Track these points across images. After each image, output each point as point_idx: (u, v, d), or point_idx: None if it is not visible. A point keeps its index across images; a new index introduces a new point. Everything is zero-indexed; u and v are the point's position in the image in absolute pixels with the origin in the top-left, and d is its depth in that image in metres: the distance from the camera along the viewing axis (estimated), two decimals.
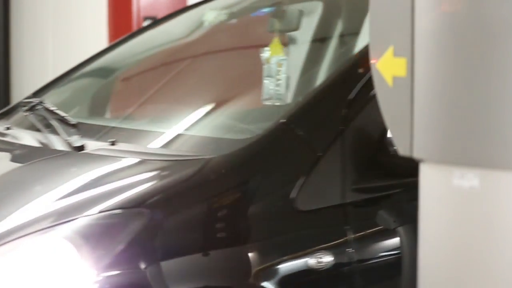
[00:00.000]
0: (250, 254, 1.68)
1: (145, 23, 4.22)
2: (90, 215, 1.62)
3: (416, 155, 1.19)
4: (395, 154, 1.54)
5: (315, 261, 1.70)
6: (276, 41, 2.25)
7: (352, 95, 1.85)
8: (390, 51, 1.21)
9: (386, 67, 1.21)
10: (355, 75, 1.90)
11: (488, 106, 1.11)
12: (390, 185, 1.85)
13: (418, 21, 1.17)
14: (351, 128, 1.84)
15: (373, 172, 1.85)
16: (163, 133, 2.02)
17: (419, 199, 1.23)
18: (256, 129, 1.90)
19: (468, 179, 1.14)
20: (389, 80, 1.21)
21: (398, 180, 1.83)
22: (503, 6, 1.09)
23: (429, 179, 1.20)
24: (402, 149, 1.21)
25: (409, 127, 1.19)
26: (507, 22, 1.09)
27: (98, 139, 2.01)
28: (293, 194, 1.73)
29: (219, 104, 2.27)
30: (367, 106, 1.83)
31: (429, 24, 1.16)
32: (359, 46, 2.25)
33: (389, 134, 1.72)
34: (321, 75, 2.39)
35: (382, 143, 1.82)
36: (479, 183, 1.14)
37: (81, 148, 1.94)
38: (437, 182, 1.19)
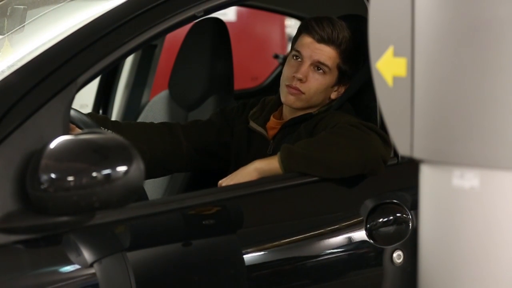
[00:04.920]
0: None
1: None
2: None
3: (416, 155, 1.19)
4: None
5: None
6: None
7: None
8: (390, 51, 1.21)
9: (386, 67, 1.21)
10: None
11: (488, 106, 1.11)
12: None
13: (418, 21, 1.17)
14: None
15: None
16: None
17: (419, 199, 1.23)
18: None
19: (468, 179, 1.14)
20: (389, 80, 1.21)
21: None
22: (504, 6, 1.09)
23: (429, 179, 1.20)
24: (402, 149, 1.21)
25: (409, 127, 1.19)
26: (508, 22, 1.09)
27: None
28: None
29: None
30: None
31: (429, 24, 1.16)
32: None
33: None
34: None
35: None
36: (479, 183, 1.14)
37: None
38: (437, 182, 1.19)
